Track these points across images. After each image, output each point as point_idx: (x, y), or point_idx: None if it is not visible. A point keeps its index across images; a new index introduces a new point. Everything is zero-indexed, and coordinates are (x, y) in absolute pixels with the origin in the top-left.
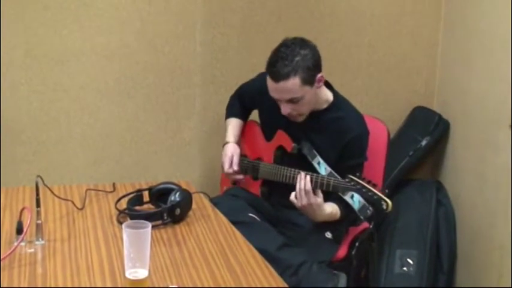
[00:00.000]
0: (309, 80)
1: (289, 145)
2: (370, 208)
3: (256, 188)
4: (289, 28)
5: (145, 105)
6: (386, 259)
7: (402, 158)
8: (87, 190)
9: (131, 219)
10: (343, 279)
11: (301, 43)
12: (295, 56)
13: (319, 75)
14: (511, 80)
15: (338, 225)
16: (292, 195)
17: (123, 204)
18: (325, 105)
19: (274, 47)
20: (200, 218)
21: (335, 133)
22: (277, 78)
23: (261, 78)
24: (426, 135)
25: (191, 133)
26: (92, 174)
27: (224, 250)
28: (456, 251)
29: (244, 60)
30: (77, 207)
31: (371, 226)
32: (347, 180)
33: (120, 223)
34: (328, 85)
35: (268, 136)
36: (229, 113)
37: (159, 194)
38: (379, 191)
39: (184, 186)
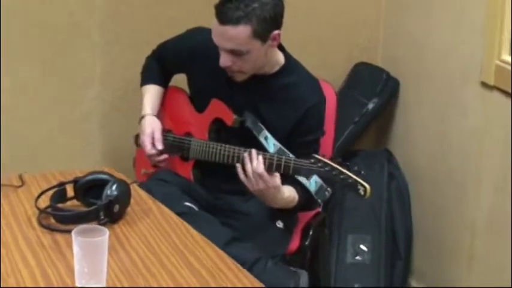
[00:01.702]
0: (262, 34)
1: (229, 117)
2: (329, 189)
3: (187, 171)
4: None
5: (33, 72)
6: (336, 247)
7: (347, 125)
8: None
9: (58, 220)
10: (304, 278)
11: None
12: (252, 1)
13: (275, 31)
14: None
15: (290, 212)
16: (242, 175)
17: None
18: (275, 69)
19: None
20: (141, 213)
21: (288, 102)
22: (224, 20)
23: (192, 35)
24: (373, 97)
25: (91, 105)
26: None
27: (180, 249)
28: (412, 232)
29: (158, 14)
30: None
31: (321, 209)
32: (312, 160)
33: (43, 226)
34: (280, 46)
35: (200, 106)
36: (146, 79)
37: (87, 188)
38: (354, 173)
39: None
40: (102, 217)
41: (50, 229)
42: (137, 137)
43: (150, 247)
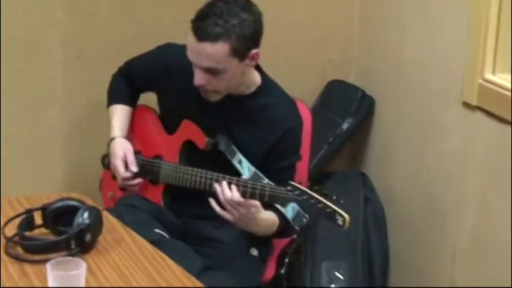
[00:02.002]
0: (241, 52)
1: (201, 139)
2: (306, 215)
3: (156, 195)
4: None
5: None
6: (310, 274)
7: (320, 146)
8: None
9: (26, 250)
10: None
11: (245, 4)
12: (232, 17)
13: (254, 50)
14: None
15: (264, 239)
16: (218, 209)
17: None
18: (252, 89)
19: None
20: (113, 242)
21: (264, 124)
22: (202, 36)
23: (163, 51)
24: (347, 117)
25: (52, 125)
26: None
27: (156, 280)
28: (389, 259)
29: (121, 28)
30: None
31: (297, 236)
32: (289, 188)
33: (11, 256)
34: (257, 65)
35: (170, 127)
36: (113, 98)
37: (56, 215)
38: (332, 202)
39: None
40: (73, 247)
41: (18, 259)
42: (104, 158)
43: (124, 278)
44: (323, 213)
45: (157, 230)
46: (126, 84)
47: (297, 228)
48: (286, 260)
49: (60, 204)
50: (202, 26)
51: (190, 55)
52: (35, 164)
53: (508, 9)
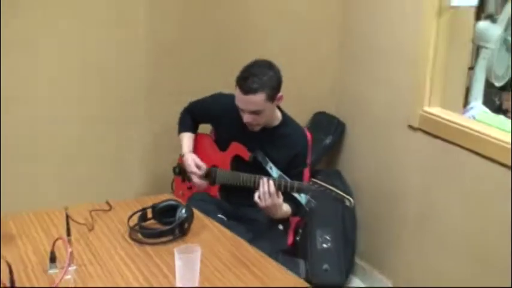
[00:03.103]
0: (272, 97)
1: (246, 154)
2: (314, 201)
3: (214, 192)
4: (218, 50)
5: (97, 122)
6: (310, 238)
7: (313, 155)
8: (91, 211)
9: (145, 235)
10: (302, 265)
11: (269, 65)
12: (264, 75)
13: (279, 94)
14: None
15: (286, 218)
16: (256, 197)
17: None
18: (276, 122)
19: (203, 67)
20: (200, 228)
21: (284, 147)
22: (247, 91)
23: (217, 98)
24: (329, 135)
25: (134, 144)
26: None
27: (235, 255)
28: (356, 224)
29: (182, 82)
30: (89, 229)
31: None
32: (311, 183)
33: (133, 239)
34: (278, 106)
35: (223, 147)
36: (182, 128)
37: (161, 211)
38: (341, 191)
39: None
40: (177, 233)
41: (141, 242)
42: (175, 168)
43: (214, 253)
44: (336, 198)
45: (220, 215)
46: (191, 119)
47: (307, 209)
48: (300, 231)
49: (164, 203)
50: (245, 84)
51: (239, 103)
52: (122, 172)
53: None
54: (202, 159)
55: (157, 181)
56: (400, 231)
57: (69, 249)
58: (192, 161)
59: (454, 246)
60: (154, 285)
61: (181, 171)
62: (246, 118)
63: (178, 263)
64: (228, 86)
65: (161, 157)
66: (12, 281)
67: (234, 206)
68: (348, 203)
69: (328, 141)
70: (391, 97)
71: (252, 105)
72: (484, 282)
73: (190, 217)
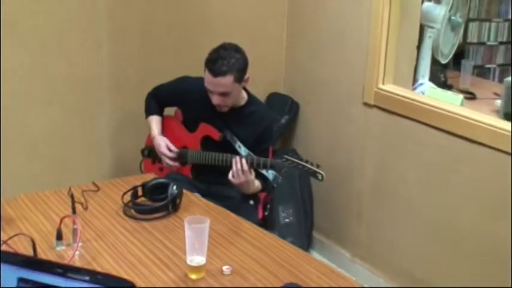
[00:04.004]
0: (239, 78)
1: (216, 134)
2: (280, 177)
3: (186, 172)
4: (178, 37)
5: (63, 110)
6: (274, 214)
7: None
8: (83, 191)
9: (139, 212)
10: None
11: (236, 48)
12: (231, 58)
13: (246, 76)
14: (366, 65)
15: (255, 194)
16: (230, 175)
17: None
18: (242, 102)
19: (164, 54)
20: (189, 203)
21: (252, 124)
22: (216, 74)
23: (183, 81)
24: (284, 115)
25: (102, 130)
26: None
27: (228, 226)
28: (313, 198)
29: (146, 65)
30: (84, 208)
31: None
32: (283, 159)
33: (128, 215)
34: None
35: (191, 128)
36: (149, 112)
37: (151, 189)
38: (312, 165)
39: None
40: (170, 208)
41: (136, 218)
42: (143, 150)
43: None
44: (309, 172)
45: (196, 194)
46: (156, 102)
47: (274, 185)
48: (268, 206)
49: (154, 182)
50: (214, 67)
51: (208, 85)
52: (92, 155)
53: (393, 41)
54: (171, 141)
55: (124, 164)
56: (357, 205)
57: (78, 227)
58: (163, 144)
59: (411, 217)
60: (161, 257)
61: (150, 153)
62: (215, 100)
63: (188, 233)
64: (190, 70)
65: (127, 141)
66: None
67: (206, 185)
68: (320, 177)
69: (283, 120)
70: (345, 76)
71: (221, 87)
72: (439, 251)
73: (180, 193)
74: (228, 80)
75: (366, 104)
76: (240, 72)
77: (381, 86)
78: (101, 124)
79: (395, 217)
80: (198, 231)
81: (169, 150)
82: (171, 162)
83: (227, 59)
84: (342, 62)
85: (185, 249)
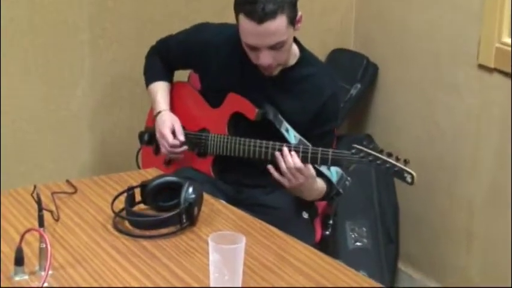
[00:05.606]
0: (293, 19)
1: (252, 111)
2: (349, 178)
3: (205, 167)
4: None
5: (19, 71)
6: (338, 234)
7: None
8: (52, 194)
9: (135, 226)
10: None
11: None
12: None
13: (298, 14)
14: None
15: (311, 203)
16: (276, 174)
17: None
18: (293, 61)
19: None
20: (211, 213)
21: (306, 94)
22: (261, 18)
23: (201, 30)
24: (355, 83)
25: (79, 104)
26: None
27: (270, 247)
28: (399, 215)
29: (140, 10)
30: (54, 218)
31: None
32: (353, 151)
33: (120, 231)
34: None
35: (214, 101)
36: (153, 77)
37: (155, 192)
38: (398, 161)
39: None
40: (184, 220)
41: (132, 235)
42: (142, 134)
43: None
44: (391, 172)
45: (221, 201)
46: (162, 62)
47: (340, 191)
48: (331, 222)
49: (159, 181)
50: (256, 9)
51: (252, 39)
52: (63, 140)
53: None
54: (184, 119)
55: (113, 154)
56: (467, 222)
57: (48, 246)
58: (169, 123)
59: None
60: None
61: (152, 138)
62: (265, 58)
63: (214, 257)
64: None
65: (116, 120)
66: None
67: (236, 187)
68: (408, 179)
69: (354, 91)
70: (449, 25)
71: (272, 37)
72: None
73: (199, 200)
74: (280, 22)
75: (481, 67)
76: (294, 8)
77: (505, 39)
78: (76, 95)
79: None
80: (228, 255)
81: (175, 134)
82: (171, 150)
83: None
84: (445, 4)
85: (208, 282)
